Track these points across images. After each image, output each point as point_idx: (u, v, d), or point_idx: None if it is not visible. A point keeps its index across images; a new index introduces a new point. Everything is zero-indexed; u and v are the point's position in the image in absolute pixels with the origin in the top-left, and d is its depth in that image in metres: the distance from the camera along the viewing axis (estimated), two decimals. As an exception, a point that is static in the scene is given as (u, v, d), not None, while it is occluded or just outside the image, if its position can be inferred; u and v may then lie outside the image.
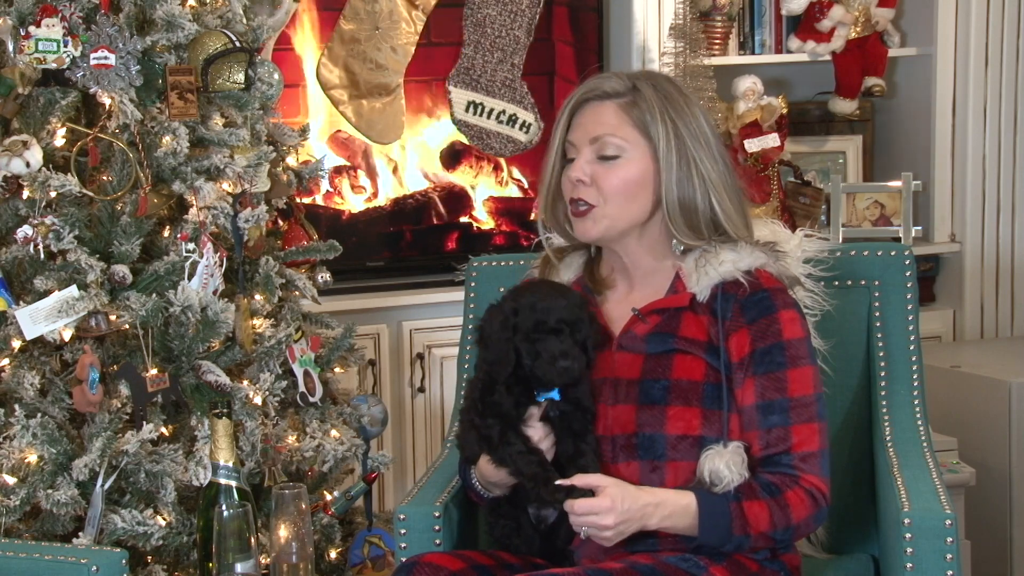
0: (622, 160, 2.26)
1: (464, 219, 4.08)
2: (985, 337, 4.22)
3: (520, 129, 4.04)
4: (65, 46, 2.61)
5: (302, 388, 2.83)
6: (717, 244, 2.28)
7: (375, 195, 4.01)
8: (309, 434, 2.81)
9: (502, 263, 2.82)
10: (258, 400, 2.71)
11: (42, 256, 2.61)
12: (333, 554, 2.88)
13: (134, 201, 2.63)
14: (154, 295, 2.63)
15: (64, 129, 2.66)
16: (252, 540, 2.27)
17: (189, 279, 2.65)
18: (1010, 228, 4.22)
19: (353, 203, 3.99)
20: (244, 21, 2.83)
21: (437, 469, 2.61)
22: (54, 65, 2.62)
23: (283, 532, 2.28)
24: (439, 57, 4.05)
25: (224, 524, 2.26)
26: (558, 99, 4.05)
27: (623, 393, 2.25)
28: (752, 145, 4.04)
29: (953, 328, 4.23)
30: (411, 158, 4.08)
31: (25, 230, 2.61)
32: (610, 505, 2.10)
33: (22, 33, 2.61)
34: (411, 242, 4.03)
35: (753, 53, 4.20)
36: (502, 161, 4.13)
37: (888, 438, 2.58)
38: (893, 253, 2.68)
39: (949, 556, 2.21)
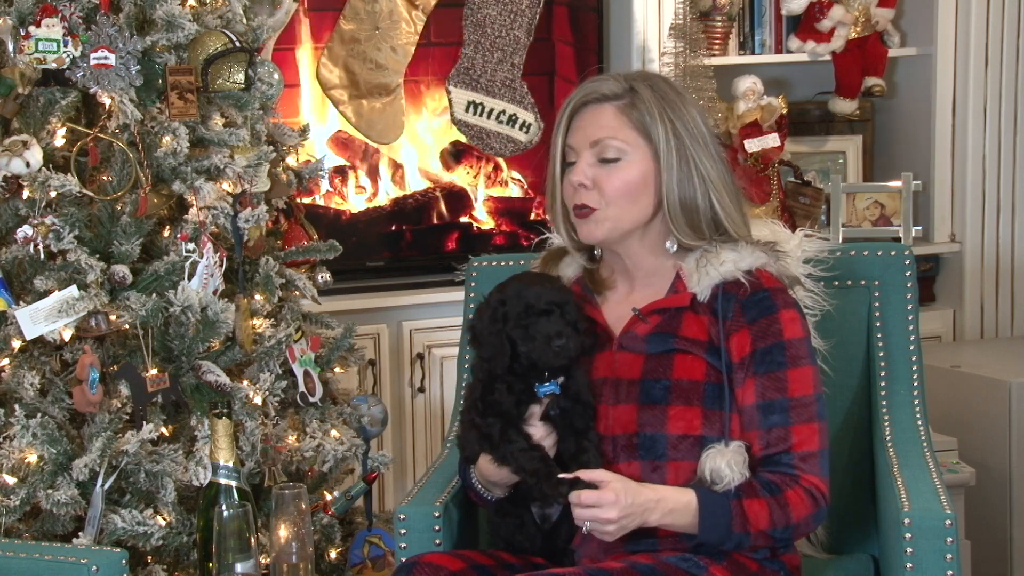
0: (623, 163, 2.26)
1: (464, 219, 4.08)
2: (985, 337, 4.22)
3: (520, 129, 4.04)
4: (65, 46, 2.61)
5: (302, 388, 2.83)
6: (718, 244, 2.29)
7: (375, 195, 4.02)
8: (309, 434, 2.81)
9: (502, 263, 2.82)
10: (258, 400, 2.71)
11: (42, 256, 2.61)
12: (333, 554, 2.88)
13: (134, 201, 2.63)
14: (154, 295, 2.63)
15: (64, 129, 2.66)
16: (252, 540, 2.27)
17: (189, 279, 2.65)
18: (1010, 228, 4.22)
19: (353, 203, 3.99)
20: (244, 21, 2.83)
21: (437, 469, 2.61)
22: (54, 65, 2.62)
23: (283, 532, 2.28)
24: (439, 57, 4.05)
25: (224, 524, 2.26)
26: (558, 99, 4.05)
27: (624, 393, 2.25)
28: (752, 145, 4.04)
29: (953, 328, 4.23)
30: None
31: (25, 230, 2.61)
32: (614, 499, 2.11)
33: (22, 33, 2.61)
34: (411, 242, 4.03)
35: (753, 53, 4.20)
36: (502, 161, 4.13)
37: (888, 438, 2.58)
38: (893, 253, 2.68)
39: (949, 556, 2.21)
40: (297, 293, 2.92)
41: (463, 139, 4.07)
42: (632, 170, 2.26)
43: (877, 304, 2.67)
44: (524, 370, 2.22)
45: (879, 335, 2.66)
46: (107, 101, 2.64)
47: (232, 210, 2.74)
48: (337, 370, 3.01)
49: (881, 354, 2.66)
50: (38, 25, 2.60)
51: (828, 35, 4.15)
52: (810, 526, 2.23)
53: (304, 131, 3.03)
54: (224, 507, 2.30)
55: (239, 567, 2.26)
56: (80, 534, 2.54)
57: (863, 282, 2.68)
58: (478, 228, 4.09)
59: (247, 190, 2.75)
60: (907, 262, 2.67)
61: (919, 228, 4.12)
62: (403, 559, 2.29)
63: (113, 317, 2.60)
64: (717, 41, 4.09)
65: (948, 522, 2.22)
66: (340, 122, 3.99)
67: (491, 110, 4.02)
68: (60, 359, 2.65)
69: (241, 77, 2.76)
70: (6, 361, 2.62)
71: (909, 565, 2.23)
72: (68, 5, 2.61)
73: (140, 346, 2.61)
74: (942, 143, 4.18)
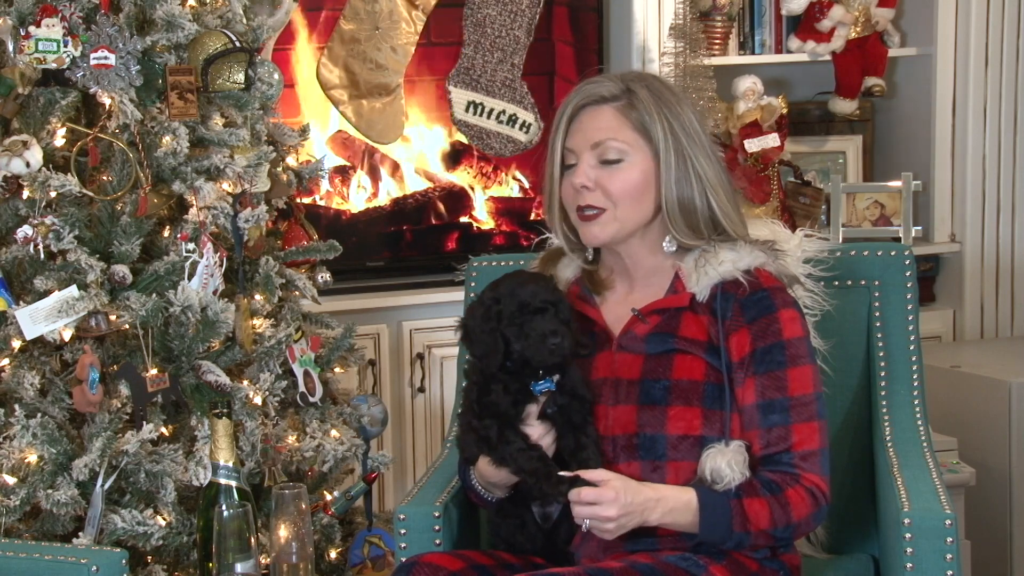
0: (625, 163, 2.26)
1: (464, 219, 4.08)
2: (985, 337, 4.22)
3: (520, 129, 4.04)
4: (65, 46, 2.61)
5: (302, 388, 2.83)
6: (716, 244, 2.29)
7: (375, 195, 4.02)
8: (309, 434, 2.81)
9: (502, 263, 2.82)
10: (258, 400, 2.71)
11: (42, 256, 2.61)
12: (333, 554, 2.88)
13: (134, 201, 2.63)
14: (154, 295, 2.63)
15: (64, 129, 2.66)
16: (252, 540, 2.27)
17: (189, 279, 2.65)
18: (1010, 228, 4.22)
19: (353, 203, 3.99)
20: (244, 21, 2.83)
21: (437, 469, 2.61)
22: (54, 65, 2.62)
23: (283, 532, 2.28)
24: (440, 57, 4.05)
25: (224, 524, 2.26)
26: (558, 99, 4.05)
27: (623, 393, 2.25)
28: (752, 145, 4.04)
29: (953, 328, 4.23)
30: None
31: (25, 230, 2.61)
32: (614, 496, 2.11)
33: (22, 33, 2.61)
34: (411, 242, 4.03)
35: (753, 53, 4.20)
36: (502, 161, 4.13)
37: (888, 438, 2.58)
38: (893, 253, 2.68)
39: (949, 556, 2.21)
40: (297, 293, 2.92)
41: (463, 139, 4.07)
42: (634, 171, 2.26)
43: (877, 304, 2.67)
44: (517, 369, 2.22)
45: (879, 335, 2.66)
46: (107, 101, 2.64)
47: (232, 210, 2.74)
48: (337, 370, 3.01)
49: (881, 354, 2.66)
50: (38, 25, 2.60)
51: (828, 35, 4.15)
52: (811, 525, 2.23)
53: (304, 131, 3.03)
54: (224, 507, 2.30)
55: (239, 567, 2.26)
56: (80, 534, 2.54)
57: (863, 282, 2.68)
58: (478, 228, 4.09)
59: (247, 190, 2.75)
60: (907, 262, 2.67)
61: (919, 228, 4.12)
62: (403, 559, 2.29)
63: (113, 317, 2.60)
64: (717, 41, 4.09)
65: (948, 522, 2.22)
66: (340, 122, 3.99)
67: (491, 110, 4.02)
68: (60, 359, 2.65)
69: (241, 77, 2.76)
70: (6, 361, 2.62)
71: (909, 565, 2.23)
72: (68, 5, 2.61)
73: (140, 346, 2.61)
74: (942, 143, 4.18)
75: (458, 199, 4.08)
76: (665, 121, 2.26)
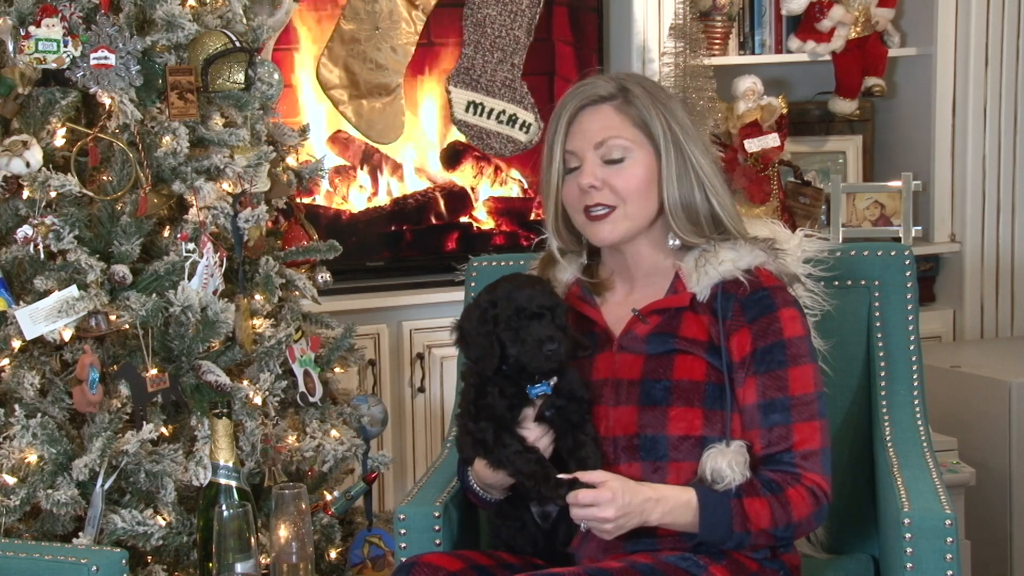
0: (628, 161, 2.26)
1: (464, 219, 4.08)
2: (985, 337, 4.22)
3: (520, 129, 4.04)
4: (65, 46, 2.61)
5: (302, 388, 2.83)
6: (716, 243, 2.29)
7: (375, 195, 4.02)
8: (309, 434, 2.81)
9: (502, 263, 2.82)
10: (258, 400, 2.71)
11: (42, 256, 2.61)
12: (333, 554, 2.88)
13: (134, 201, 2.63)
14: (154, 295, 2.63)
15: (64, 129, 2.66)
16: (252, 540, 2.27)
17: (189, 279, 2.65)
18: (1010, 228, 4.22)
19: (353, 203, 3.99)
20: (244, 21, 2.83)
21: (437, 469, 2.61)
22: (54, 65, 2.62)
23: (283, 532, 2.28)
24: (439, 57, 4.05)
25: (224, 524, 2.26)
26: (558, 99, 4.04)
27: (624, 394, 2.25)
28: (752, 145, 4.04)
29: (953, 328, 4.23)
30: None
31: (25, 230, 2.61)
32: (611, 497, 2.11)
33: (22, 33, 2.61)
34: (411, 242, 4.03)
35: (753, 53, 4.20)
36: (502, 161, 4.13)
37: (888, 438, 2.58)
38: (893, 253, 2.68)
39: (949, 556, 2.21)
40: (297, 293, 2.92)
41: (463, 139, 4.07)
42: (638, 167, 2.26)
43: (877, 304, 2.67)
44: (513, 373, 2.21)
45: (879, 335, 2.66)
46: (107, 101, 2.64)
47: (232, 210, 2.74)
48: (337, 370, 3.01)
49: (881, 354, 2.66)
50: (38, 25, 2.60)
51: (828, 35, 4.15)
52: (812, 524, 2.23)
53: (304, 131, 3.03)
54: (224, 507, 2.30)
55: (239, 567, 2.26)
56: (80, 534, 2.54)
57: (863, 282, 2.68)
58: (478, 228, 4.09)
59: (247, 190, 2.75)
60: (907, 262, 2.67)
61: (919, 228, 4.12)
62: (403, 559, 2.28)
63: (113, 317, 2.60)
64: (717, 41, 4.09)
65: (948, 522, 2.22)
66: (340, 122, 3.99)
67: (491, 110, 4.02)
68: (60, 359, 2.65)
69: (241, 77, 2.76)
70: (6, 361, 2.62)
71: (909, 565, 2.23)
72: (68, 5, 2.61)
73: (140, 346, 2.61)
74: (942, 143, 4.18)
75: (458, 199, 4.08)
76: (663, 117, 2.27)
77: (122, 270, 2.62)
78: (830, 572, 2.52)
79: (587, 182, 2.26)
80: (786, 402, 2.21)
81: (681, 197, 2.27)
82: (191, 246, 2.66)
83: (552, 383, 2.22)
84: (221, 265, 2.71)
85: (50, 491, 2.51)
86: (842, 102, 4.26)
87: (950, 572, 2.22)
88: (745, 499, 2.16)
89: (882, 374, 2.65)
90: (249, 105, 2.79)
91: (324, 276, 3.00)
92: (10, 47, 2.65)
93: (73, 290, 2.56)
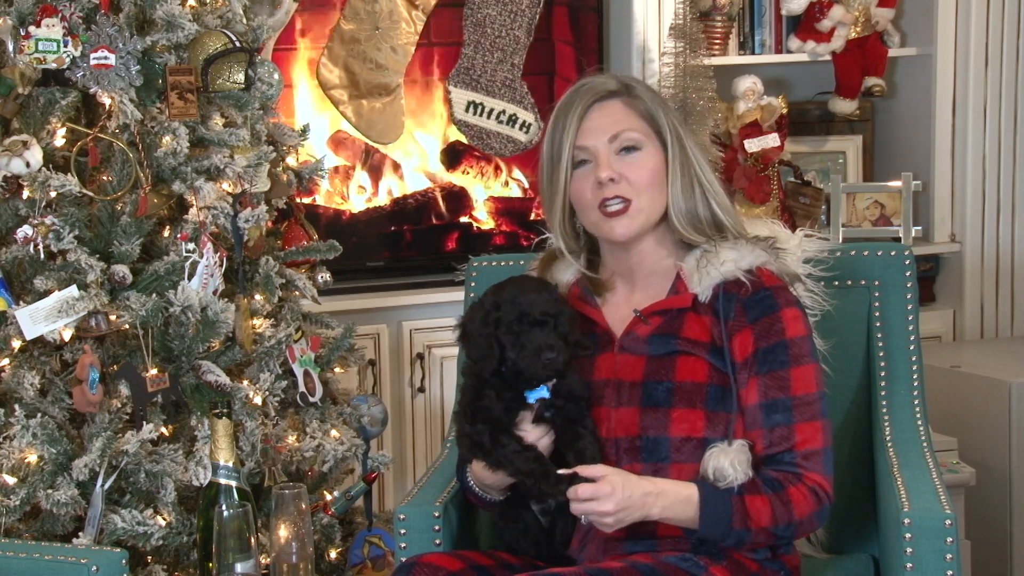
0: (642, 153, 2.26)
1: (464, 219, 4.08)
2: (985, 337, 4.22)
3: (520, 129, 4.04)
4: (65, 46, 2.61)
5: (302, 388, 2.83)
6: (717, 243, 2.29)
7: (375, 195, 4.02)
8: (309, 434, 2.81)
9: (502, 263, 2.82)
10: (258, 400, 2.71)
11: (42, 256, 2.61)
12: (333, 554, 2.88)
13: (134, 201, 2.63)
14: (154, 295, 2.63)
15: (64, 129, 2.66)
16: (252, 540, 2.27)
17: (189, 279, 2.65)
18: (1010, 228, 4.22)
19: (353, 203, 3.99)
20: (244, 21, 2.83)
21: (437, 469, 2.61)
22: (54, 65, 2.62)
23: (283, 532, 2.28)
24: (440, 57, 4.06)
25: (224, 524, 2.26)
26: (558, 99, 4.04)
27: (626, 396, 2.25)
28: (752, 145, 4.04)
29: (953, 328, 4.23)
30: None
31: (25, 230, 2.61)
32: (611, 491, 2.10)
33: (22, 33, 2.61)
34: (411, 242, 4.03)
35: (753, 53, 4.20)
36: (503, 162, 4.13)
37: (888, 438, 2.58)
38: (893, 253, 2.68)
39: (949, 556, 2.21)
40: (297, 293, 2.92)
41: (463, 139, 4.07)
42: (651, 160, 2.27)
43: (877, 304, 2.67)
44: (511, 376, 2.20)
45: (879, 335, 2.66)
46: (107, 101, 2.64)
47: (232, 210, 2.74)
48: (337, 370, 3.01)
49: (881, 354, 2.66)
50: (38, 25, 2.60)
51: (828, 35, 4.15)
52: (813, 524, 2.22)
53: (304, 131, 3.03)
54: (224, 507, 2.30)
55: (239, 567, 2.26)
56: (80, 534, 2.54)
57: (863, 282, 2.68)
58: (478, 228, 4.09)
59: (247, 190, 2.75)
60: (907, 262, 2.67)
61: (919, 228, 4.12)
62: (403, 559, 2.28)
63: (113, 317, 2.60)
64: (717, 41, 4.09)
65: (948, 522, 2.22)
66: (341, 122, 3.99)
67: (491, 110, 4.02)
68: (60, 359, 2.65)
69: (241, 77, 2.76)
70: (6, 361, 2.62)
71: (909, 565, 2.23)
72: (68, 5, 2.61)
73: (140, 346, 2.62)
74: (942, 143, 4.18)
75: (458, 199, 4.08)
76: (666, 114, 2.29)
77: (122, 270, 2.62)
78: (830, 572, 2.52)
79: (605, 175, 2.25)
80: (788, 402, 2.21)
81: (684, 195, 2.27)
82: (191, 246, 2.66)
83: (551, 385, 2.21)
84: (221, 265, 2.71)
85: (50, 491, 2.51)
86: (842, 102, 4.26)
87: (950, 572, 2.22)
88: (747, 496, 2.15)
89: (882, 374, 2.65)
90: (249, 105, 2.79)
91: (324, 276, 3.00)
92: (10, 47, 2.65)
93: (73, 290, 2.56)
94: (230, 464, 2.38)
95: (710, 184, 2.29)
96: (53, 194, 2.61)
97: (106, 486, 2.54)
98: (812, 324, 2.40)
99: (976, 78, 4.13)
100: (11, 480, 2.54)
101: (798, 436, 2.20)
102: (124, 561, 2.25)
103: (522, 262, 2.72)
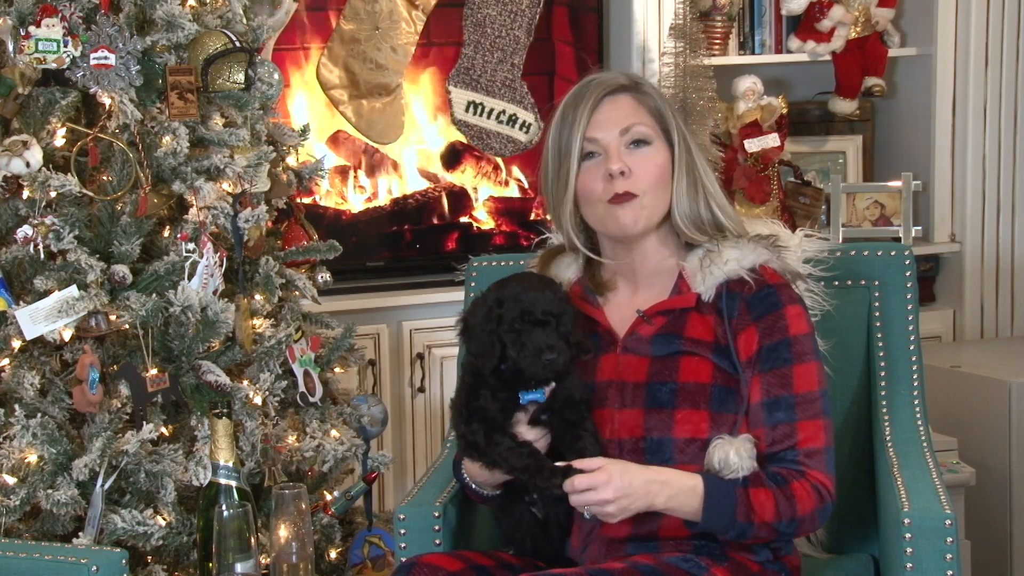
0: (651, 148, 2.27)
1: (464, 219, 4.08)
2: (985, 337, 4.22)
3: (520, 129, 4.04)
4: (65, 46, 2.61)
5: (302, 388, 2.83)
6: (719, 243, 2.28)
7: (375, 195, 4.02)
8: (309, 434, 2.81)
9: (502, 263, 2.82)
10: (258, 400, 2.71)
11: (42, 256, 2.61)
12: (333, 554, 2.88)
13: (134, 201, 2.63)
14: (154, 295, 2.63)
15: (64, 129, 2.66)
16: (252, 540, 2.27)
17: (189, 279, 2.65)
18: (1010, 228, 4.22)
19: (353, 203, 3.99)
20: (244, 21, 2.84)
21: (437, 469, 2.61)
22: (54, 65, 2.62)
23: (283, 532, 2.28)
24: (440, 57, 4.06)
25: (224, 524, 2.26)
26: (558, 99, 4.04)
27: (629, 397, 2.24)
28: (752, 145, 4.04)
29: (953, 328, 4.23)
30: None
31: (25, 230, 2.61)
32: (607, 479, 2.09)
33: (22, 33, 2.61)
34: (411, 242, 4.03)
35: (753, 53, 4.20)
36: (501, 161, 4.13)
37: (888, 438, 2.58)
38: (893, 253, 2.68)
39: (949, 556, 2.21)
40: (297, 293, 2.92)
41: (463, 139, 4.07)
42: (658, 156, 2.27)
43: (877, 304, 2.67)
44: (510, 374, 2.19)
45: (879, 335, 2.66)
46: (107, 101, 2.64)
47: (232, 210, 2.74)
48: (337, 370, 3.01)
49: (881, 354, 2.66)
50: (38, 25, 2.60)
51: (828, 35, 4.15)
52: (815, 522, 2.22)
53: (304, 131, 3.03)
54: (224, 507, 2.30)
55: (239, 567, 2.26)
56: (80, 534, 2.54)
57: (863, 282, 2.68)
58: (478, 228, 4.09)
59: (247, 190, 2.75)
60: (907, 262, 2.67)
61: (919, 228, 4.12)
62: (403, 559, 2.28)
63: (113, 317, 2.60)
64: (717, 41, 4.09)
65: (948, 522, 2.22)
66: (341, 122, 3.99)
67: (491, 110, 4.02)
68: (60, 359, 2.65)
69: (241, 77, 2.76)
70: (6, 361, 2.62)
71: (909, 565, 2.23)
72: (68, 5, 2.62)
73: (140, 346, 2.62)
74: (942, 143, 4.18)
75: (458, 199, 4.08)
76: (672, 113, 2.30)
77: (122, 270, 2.62)
78: (830, 572, 2.52)
79: (616, 167, 2.24)
80: (790, 400, 2.21)
81: (688, 196, 2.27)
82: (191, 246, 2.66)
83: (548, 390, 2.20)
84: (221, 265, 2.71)
85: (50, 491, 2.51)
86: (842, 102, 4.26)
87: (950, 572, 2.22)
88: (751, 489, 2.15)
89: (882, 374, 2.65)
90: (249, 105, 2.79)
91: (324, 276, 3.00)
92: (10, 47, 2.65)
93: (73, 290, 2.56)
94: (230, 464, 2.38)
95: (712, 186, 2.30)
96: (53, 194, 2.61)
97: (106, 486, 2.54)
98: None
99: (976, 78, 4.13)
100: (11, 480, 2.54)
101: (800, 434, 2.20)
102: (124, 561, 2.25)
103: (522, 262, 2.72)
